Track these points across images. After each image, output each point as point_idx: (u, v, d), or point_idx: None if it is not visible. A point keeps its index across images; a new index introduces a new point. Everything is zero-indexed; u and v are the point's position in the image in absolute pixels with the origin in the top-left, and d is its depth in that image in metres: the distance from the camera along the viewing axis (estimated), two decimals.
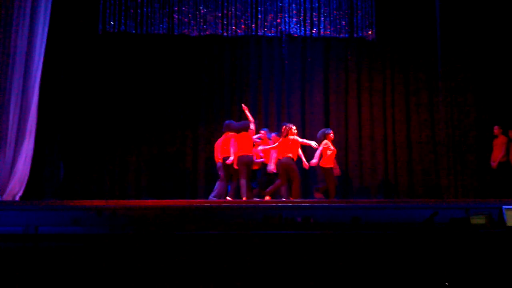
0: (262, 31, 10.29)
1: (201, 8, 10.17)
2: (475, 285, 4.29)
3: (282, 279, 4.30)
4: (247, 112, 8.82)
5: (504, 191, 9.05)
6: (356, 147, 10.35)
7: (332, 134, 8.94)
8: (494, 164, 9.39)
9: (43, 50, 8.39)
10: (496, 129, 9.47)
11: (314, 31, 10.39)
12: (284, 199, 8.35)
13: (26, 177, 8.22)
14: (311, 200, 8.94)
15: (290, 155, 8.46)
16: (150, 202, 8.14)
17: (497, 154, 9.34)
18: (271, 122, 10.14)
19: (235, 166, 8.48)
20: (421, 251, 4.55)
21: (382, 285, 4.31)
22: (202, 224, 5.66)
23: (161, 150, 10.15)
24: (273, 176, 8.78)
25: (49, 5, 8.51)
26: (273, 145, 8.67)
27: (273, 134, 8.98)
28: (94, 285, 4.19)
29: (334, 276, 4.32)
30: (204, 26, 10.18)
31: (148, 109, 10.08)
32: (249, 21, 10.26)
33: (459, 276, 4.33)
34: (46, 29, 8.44)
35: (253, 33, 10.29)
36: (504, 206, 5.34)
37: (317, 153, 8.72)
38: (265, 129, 9.29)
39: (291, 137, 8.56)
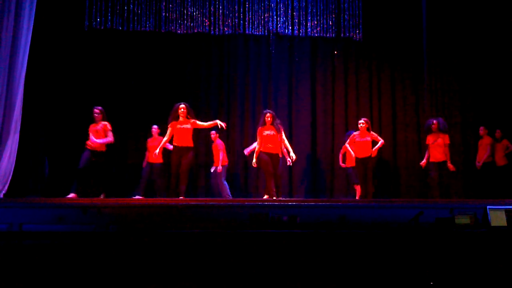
0: (250, 29, 10.30)
1: (188, 5, 10.15)
2: (460, 284, 4.32)
3: (268, 277, 4.30)
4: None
5: (488, 191, 9.15)
6: (343, 145, 10.38)
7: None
8: (479, 164, 9.48)
9: (28, 46, 8.29)
10: (482, 130, 9.56)
11: (301, 31, 10.42)
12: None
13: (10, 174, 8.13)
14: (297, 199, 8.97)
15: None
16: (136, 200, 8.10)
17: (482, 155, 9.43)
18: (258, 120, 10.12)
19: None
20: (406, 250, 4.57)
21: (368, 284, 4.32)
22: (188, 222, 5.64)
23: (145, 148, 10.10)
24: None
25: (34, 1, 8.42)
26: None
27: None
28: (79, 283, 4.16)
29: (320, 275, 4.33)
30: (191, 24, 10.16)
31: (134, 106, 10.03)
32: (236, 20, 10.26)
33: (444, 275, 4.36)
34: (31, 26, 8.35)
35: (241, 32, 10.29)
36: (488, 206, 5.37)
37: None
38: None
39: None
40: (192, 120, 8.30)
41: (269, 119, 8.34)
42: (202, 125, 8.45)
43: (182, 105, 8.28)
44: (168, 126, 8.32)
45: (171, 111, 8.34)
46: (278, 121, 8.51)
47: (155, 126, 9.17)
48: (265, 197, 8.21)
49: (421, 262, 4.44)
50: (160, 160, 9.02)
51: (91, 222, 5.57)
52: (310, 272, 4.36)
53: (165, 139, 8.34)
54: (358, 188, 9.02)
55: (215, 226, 5.28)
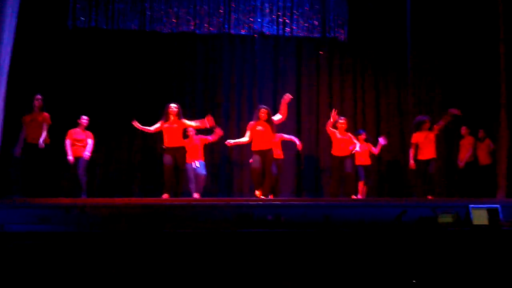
0: (235, 29, 10.31)
1: (173, 5, 10.13)
2: (442, 282, 4.36)
3: (253, 277, 4.30)
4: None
5: (470, 190, 9.24)
6: (327, 145, 10.42)
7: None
8: (461, 164, 9.57)
9: (10, 46, 8.20)
10: (464, 130, 9.65)
11: (287, 30, 10.45)
12: None
13: None
14: (282, 198, 8.99)
15: None
16: (119, 200, 8.06)
17: (464, 154, 9.52)
18: (243, 119, 10.14)
19: None
20: (390, 249, 4.60)
21: (352, 283, 4.35)
22: (172, 222, 5.63)
23: (131, 147, 10.07)
24: None
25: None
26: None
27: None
28: (63, 284, 4.14)
29: (305, 274, 4.35)
30: (177, 23, 10.14)
31: (118, 106, 9.98)
32: (221, 19, 10.26)
33: (426, 274, 4.40)
34: (13, 24, 8.26)
35: (226, 31, 10.30)
36: (470, 205, 5.43)
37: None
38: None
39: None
40: (182, 120, 8.35)
41: (263, 115, 8.09)
42: (190, 124, 8.45)
43: (174, 104, 8.35)
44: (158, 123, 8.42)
45: (163, 112, 8.41)
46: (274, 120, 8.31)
47: (84, 117, 8.85)
48: (257, 193, 8.10)
49: (404, 261, 4.47)
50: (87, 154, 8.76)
51: (75, 222, 5.54)
52: (295, 271, 4.37)
53: (149, 128, 8.41)
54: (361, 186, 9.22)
55: (199, 226, 5.27)
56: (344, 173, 8.72)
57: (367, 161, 9.44)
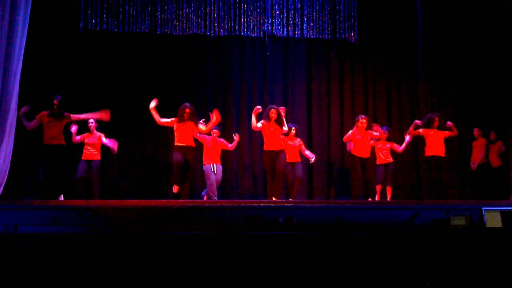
0: (245, 31, 10.31)
1: (184, 7, 10.15)
2: (456, 285, 4.33)
3: (264, 279, 4.30)
4: None
5: (484, 192, 9.17)
6: (338, 147, 10.40)
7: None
8: (473, 166, 9.51)
9: (23, 48, 8.27)
10: (476, 131, 9.59)
11: (297, 32, 10.43)
12: None
13: (5, 176, 8.09)
14: (293, 200, 8.96)
15: None
16: (131, 202, 8.08)
17: (477, 156, 9.45)
18: None
19: None
20: (402, 252, 4.58)
21: (364, 285, 4.33)
22: (183, 224, 5.63)
23: (142, 150, 10.09)
24: None
25: (30, 2, 8.40)
26: None
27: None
28: (74, 285, 4.15)
29: (316, 276, 4.33)
30: (187, 26, 10.16)
31: (129, 109, 10.00)
32: (232, 22, 10.27)
33: (440, 277, 4.37)
34: (26, 27, 8.33)
35: (236, 33, 10.30)
36: (484, 208, 5.39)
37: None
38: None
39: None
40: (194, 123, 8.27)
41: (274, 115, 8.17)
42: (201, 129, 8.39)
43: (187, 109, 8.19)
44: (173, 119, 8.29)
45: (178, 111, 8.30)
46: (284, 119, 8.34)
47: (91, 121, 8.76)
48: (273, 199, 8.11)
49: (417, 264, 4.45)
50: (98, 157, 8.75)
51: (87, 224, 5.56)
52: (306, 273, 4.36)
53: (161, 119, 8.26)
54: (378, 188, 9.14)
55: (211, 228, 5.27)
56: (365, 175, 8.68)
57: (389, 159, 9.32)
